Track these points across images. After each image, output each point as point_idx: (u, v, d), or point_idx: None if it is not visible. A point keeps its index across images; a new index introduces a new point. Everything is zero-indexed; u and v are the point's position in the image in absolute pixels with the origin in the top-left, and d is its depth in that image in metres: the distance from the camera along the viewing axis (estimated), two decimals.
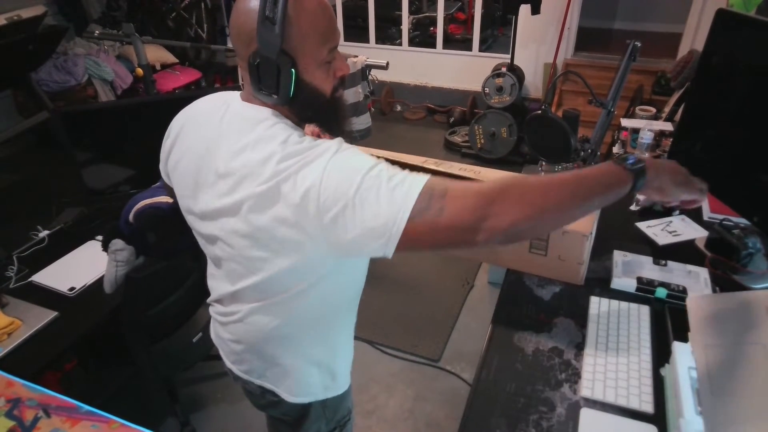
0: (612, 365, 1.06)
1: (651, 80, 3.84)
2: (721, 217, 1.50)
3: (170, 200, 1.55)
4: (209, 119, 0.94)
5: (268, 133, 0.85)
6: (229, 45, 5.22)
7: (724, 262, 1.32)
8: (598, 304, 1.22)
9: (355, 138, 2.96)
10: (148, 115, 1.96)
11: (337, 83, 0.90)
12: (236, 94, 0.95)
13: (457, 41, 5.45)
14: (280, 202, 0.81)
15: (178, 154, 0.99)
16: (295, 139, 0.84)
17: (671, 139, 1.94)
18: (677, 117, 2.69)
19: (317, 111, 0.90)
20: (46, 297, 1.63)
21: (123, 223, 1.59)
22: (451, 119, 4.64)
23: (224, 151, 0.88)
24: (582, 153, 1.70)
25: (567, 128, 1.54)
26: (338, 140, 0.85)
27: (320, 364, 1.08)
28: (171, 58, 4.50)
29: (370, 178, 0.77)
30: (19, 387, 1.03)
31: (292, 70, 0.82)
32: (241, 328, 1.04)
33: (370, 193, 0.77)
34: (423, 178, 0.78)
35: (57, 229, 1.95)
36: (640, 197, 1.61)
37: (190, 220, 1.02)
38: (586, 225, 1.17)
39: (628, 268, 1.33)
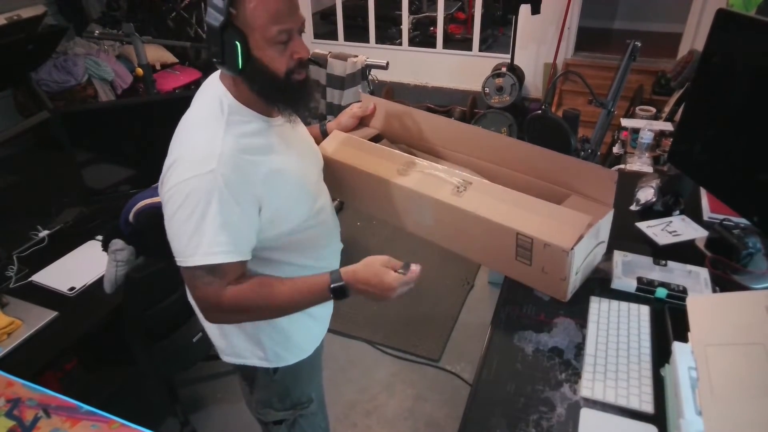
0: (612, 365, 1.06)
1: (651, 80, 3.84)
2: (721, 217, 1.50)
3: None
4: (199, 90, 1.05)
5: (197, 115, 0.97)
6: None
7: (724, 262, 1.32)
8: (598, 304, 1.22)
9: None
10: (148, 115, 1.97)
11: (294, 64, 0.93)
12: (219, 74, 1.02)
13: (457, 41, 5.44)
14: (162, 185, 0.95)
15: None
16: (201, 133, 0.93)
17: (671, 139, 1.94)
18: (677, 117, 2.69)
19: (265, 87, 0.93)
20: (46, 297, 1.63)
21: (123, 222, 1.59)
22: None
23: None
24: (582, 152, 1.70)
25: (567, 128, 1.55)
26: (223, 161, 0.90)
27: (246, 333, 1.14)
28: (171, 58, 4.50)
29: (206, 213, 0.89)
30: (19, 387, 1.03)
31: (237, 43, 0.86)
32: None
33: (190, 223, 0.90)
34: (221, 258, 0.91)
35: (57, 229, 1.95)
36: (640, 197, 1.61)
37: None
38: (568, 238, 0.98)
39: (628, 268, 1.33)
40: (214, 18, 0.86)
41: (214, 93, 0.97)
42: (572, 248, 0.97)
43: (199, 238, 0.90)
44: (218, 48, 0.88)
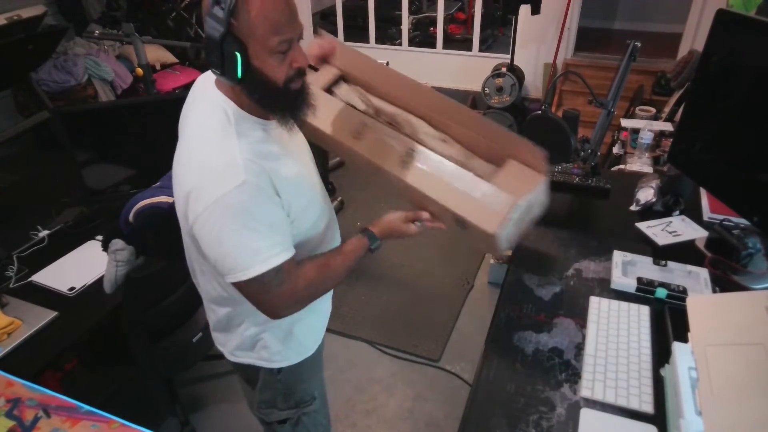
0: (612, 365, 1.06)
1: (651, 80, 3.84)
2: (721, 217, 1.50)
3: (170, 200, 1.56)
4: (191, 95, 1.04)
5: (204, 127, 0.94)
6: None
7: (724, 262, 1.32)
8: (598, 304, 1.22)
9: None
10: (148, 115, 1.97)
11: (293, 73, 0.93)
12: (213, 80, 1.00)
13: (457, 41, 5.44)
14: (188, 207, 0.92)
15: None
16: (216, 147, 0.91)
17: (671, 139, 1.94)
18: (677, 117, 2.69)
19: (264, 96, 0.93)
20: (46, 297, 1.63)
21: (123, 222, 1.59)
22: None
23: (183, 134, 0.99)
24: (582, 153, 1.70)
25: (567, 128, 1.54)
26: (248, 170, 0.89)
27: (250, 334, 1.15)
28: (171, 58, 4.50)
29: (252, 222, 0.90)
30: (19, 387, 1.03)
31: (237, 53, 0.86)
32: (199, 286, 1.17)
33: (240, 237, 0.90)
34: (283, 257, 0.94)
35: (57, 229, 1.95)
36: (640, 198, 1.61)
37: None
38: (494, 222, 0.99)
39: (628, 268, 1.33)
40: (213, 28, 0.85)
41: (214, 103, 0.95)
42: (496, 232, 0.98)
43: (254, 246, 0.91)
44: (218, 58, 0.87)
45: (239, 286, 0.95)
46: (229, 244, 0.90)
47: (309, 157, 1.16)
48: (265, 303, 0.99)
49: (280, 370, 1.20)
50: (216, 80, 0.98)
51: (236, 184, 0.87)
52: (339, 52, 1.25)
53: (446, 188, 1.01)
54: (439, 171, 1.04)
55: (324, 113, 1.14)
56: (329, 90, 1.22)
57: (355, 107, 1.17)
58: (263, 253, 0.91)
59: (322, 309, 1.27)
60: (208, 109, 0.96)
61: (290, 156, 1.03)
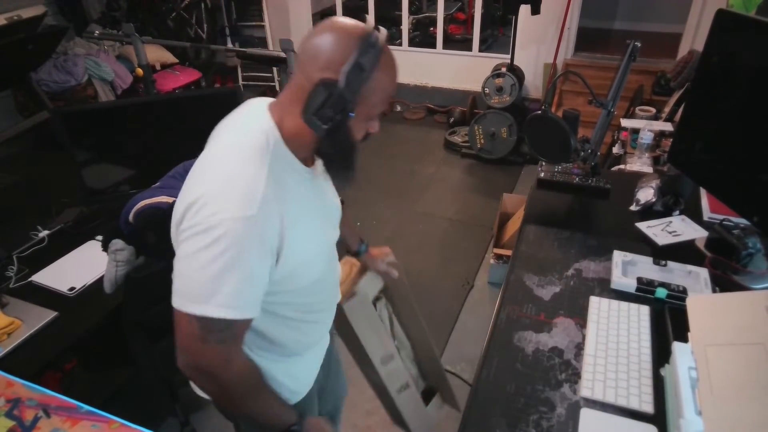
0: (612, 365, 1.06)
1: (651, 80, 3.83)
2: (721, 217, 1.50)
3: (170, 200, 1.56)
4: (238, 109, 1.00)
5: (236, 144, 0.88)
6: (229, 45, 5.22)
7: (724, 262, 1.32)
8: (598, 304, 1.22)
9: None
10: (148, 115, 1.97)
11: (365, 137, 0.94)
12: (266, 104, 0.95)
13: (457, 41, 5.45)
14: (186, 211, 0.85)
15: None
16: (244, 166, 0.84)
17: (671, 139, 1.94)
18: (677, 117, 2.69)
19: (337, 151, 0.92)
20: (46, 297, 1.63)
21: (123, 222, 1.59)
22: (451, 119, 4.64)
23: (214, 139, 0.96)
24: (582, 153, 1.70)
25: (567, 128, 1.55)
26: (263, 207, 0.82)
27: (265, 373, 1.04)
28: (171, 58, 4.50)
29: (234, 262, 0.80)
30: (19, 387, 1.03)
31: (351, 114, 0.86)
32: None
33: (212, 268, 0.80)
34: (244, 314, 0.85)
35: (57, 229, 1.95)
36: (640, 198, 1.61)
37: None
38: None
39: (628, 268, 1.33)
40: (349, 90, 0.82)
41: (260, 126, 0.89)
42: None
43: (218, 285, 0.81)
44: (332, 116, 0.84)
45: (181, 316, 0.85)
46: (197, 269, 0.81)
47: (335, 215, 1.09)
48: (192, 349, 0.87)
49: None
50: (272, 105, 0.93)
51: (242, 215, 0.79)
52: (399, 278, 1.47)
53: (412, 414, 1.57)
54: (412, 401, 1.58)
55: (368, 328, 1.39)
56: (374, 300, 1.47)
57: (383, 321, 1.49)
58: (220, 297, 0.81)
59: (308, 356, 1.14)
60: (254, 128, 0.89)
61: (317, 207, 0.99)
